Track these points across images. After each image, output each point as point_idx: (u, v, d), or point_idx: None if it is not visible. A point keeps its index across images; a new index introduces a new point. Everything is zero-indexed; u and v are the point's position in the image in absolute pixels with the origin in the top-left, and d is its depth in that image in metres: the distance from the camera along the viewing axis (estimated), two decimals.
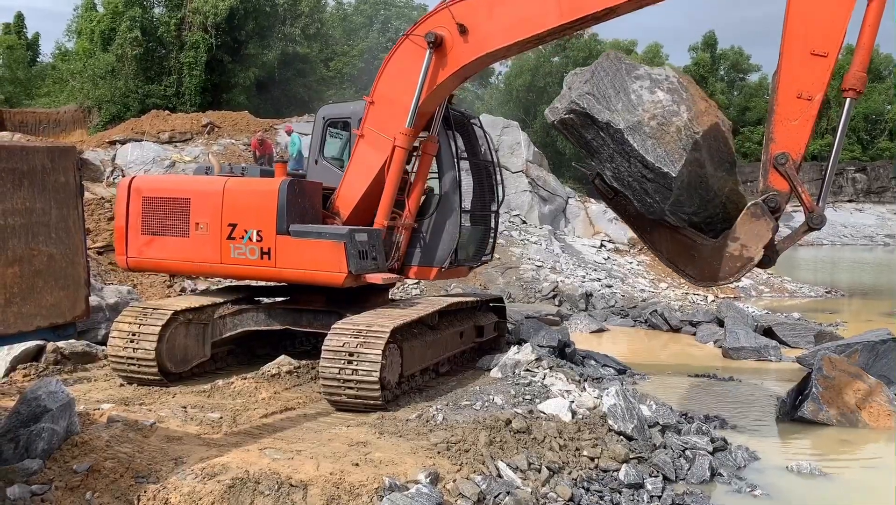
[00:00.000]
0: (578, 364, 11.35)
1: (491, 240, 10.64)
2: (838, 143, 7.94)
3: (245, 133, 27.09)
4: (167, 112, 30.61)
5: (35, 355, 8.95)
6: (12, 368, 8.67)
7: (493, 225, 10.61)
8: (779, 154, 7.61)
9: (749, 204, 8.02)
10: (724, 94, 74.26)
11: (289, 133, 22.79)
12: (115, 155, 24.32)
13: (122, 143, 25.30)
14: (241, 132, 27.60)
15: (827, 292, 25.45)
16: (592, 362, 11.84)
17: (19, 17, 47.01)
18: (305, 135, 31.12)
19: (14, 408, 5.77)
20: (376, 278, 8.43)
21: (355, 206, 9.12)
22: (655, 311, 18.05)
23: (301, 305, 9.29)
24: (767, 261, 8.17)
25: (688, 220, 8.56)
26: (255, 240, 8.44)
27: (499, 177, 10.47)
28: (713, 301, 21.06)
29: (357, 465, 5.86)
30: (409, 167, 9.38)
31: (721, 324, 16.56)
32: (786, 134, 7.61)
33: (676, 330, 17.25)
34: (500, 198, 10.51)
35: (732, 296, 22.68)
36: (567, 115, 8.91)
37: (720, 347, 15.06)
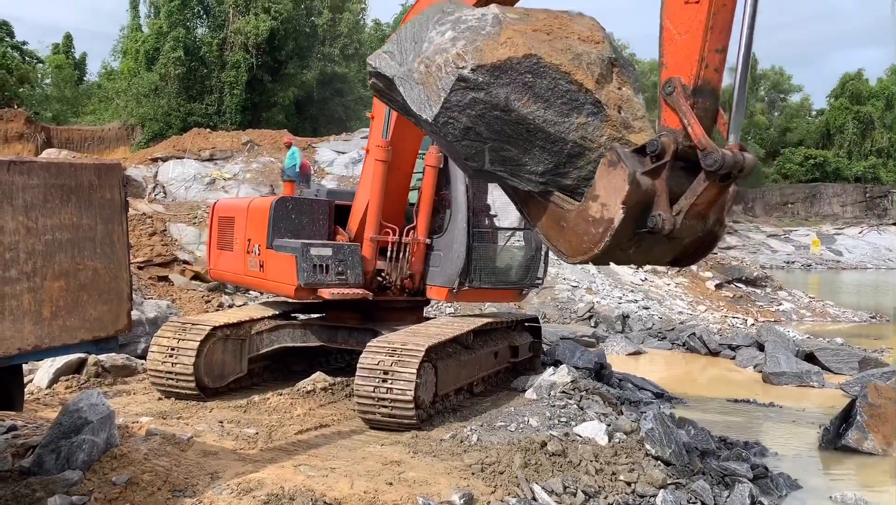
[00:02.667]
0: (615, 387, 11.21)
1: (542, 263, 9.95)
2: (745, 49, 5.51)
3: (284, 151, 27.46)
4: (208, 130, 31.19)
5: (77, 368, 9.12)
6: (55, 379, 8.84)
7: (542, 245, 9.82)
8: (665, 82, 5.55)
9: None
10: (765, 115, 73.38)
11: (288, 146, 22.94)
12: (157, 172, 24.83)
13: (164, 160, 25.84)
14: (279, 150, 27.98)
15: (871, 317, 24.80)
16: (629, 385, 11.68)
17: (68, 38, 48.43)
18: (343, 153, 31.49)
19: (56, 419, 5.87)
20: (325, 293, 8.57)
21: (359, 221, 9.21)
22: (693, 333, 17.77)
23: (336, 322, 9.35)
24: (669, 228, 5.11)
25: (550, 182, 6.62)
26: (256, 253, 9.12)
27: None
28: (752, 324, 20.67)
29: (391, 484, 5.84)
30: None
31: (761, 348, 16.24)
32: (674, 53, 5.62)
33: (715, 354, 16.95)
34: None
35: (773, 319, 22.25)
36: (371, 81, 7.28)
37: (760, 371, 14.75)
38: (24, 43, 46.75)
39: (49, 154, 27.00)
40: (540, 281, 10.09)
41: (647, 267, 25.71)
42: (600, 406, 8.66)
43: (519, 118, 6.07)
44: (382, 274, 9.30)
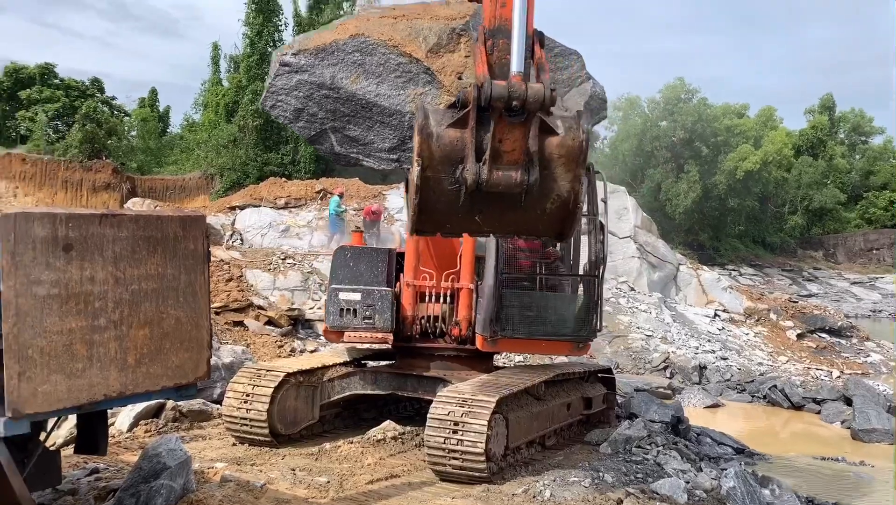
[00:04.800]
0: (693, 442, 10.80)
1: (597, 314, 8.76)
2: None
3: (355, 199, 27.98)
4: (283, 179, 32.09)
5: (156, 412, 9.34)
6: (135, 423, 9.07)
7: (596, 293, 8.86)
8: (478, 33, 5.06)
9: None
10: (846, 158, 71.02)
11: (340, 196, 23.76)
12: (234, 220, 25.60)
13: (242, 208, 26.63)
14: (351, 198, 28.52)
15: None
16: (708, 440, 11.23)
17: (153, 93, 50.96)
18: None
19: (136, 464, 6.00)
20: (347, 337, 8.84)
21: (413, 266, 9.22)
22: (775, 386, 17.05)
23: (406, 370, 9.33)
24: (473, 179, 4.56)
25: (403, 159, 6.01)
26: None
27: (601, 236, 8.79)
28: (838, 377, 19.69)
29: None
30: None
31: (849, 402, 15.43)
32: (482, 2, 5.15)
33: (798, 407, 16.20)
34: (600, 259, 8.63)
35: (860, 372, 21.14)
36: None
37: (849, 427, 14.00)
38: (113, 98, 49.48)
39: (133, 203, 28.23)
40: (594, 335, 8.94)
41: (725, 316, 24.92)
42: (678, 462, 8.34)
43: (349, 95, 6.07)
44: (422, 320, 9.18)
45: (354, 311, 8.80)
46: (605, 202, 8.79)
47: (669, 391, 16.29)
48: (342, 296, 8.90)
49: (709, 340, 21.83)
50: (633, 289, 25.04)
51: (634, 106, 54.23)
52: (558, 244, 9.47)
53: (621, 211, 28.10)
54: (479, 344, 8.82)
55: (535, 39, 4.77)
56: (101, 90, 48.63)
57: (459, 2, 6.38)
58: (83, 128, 38.07)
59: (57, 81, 44.79)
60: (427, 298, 9.11)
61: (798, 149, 54.96)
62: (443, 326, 9.10)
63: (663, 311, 23.37)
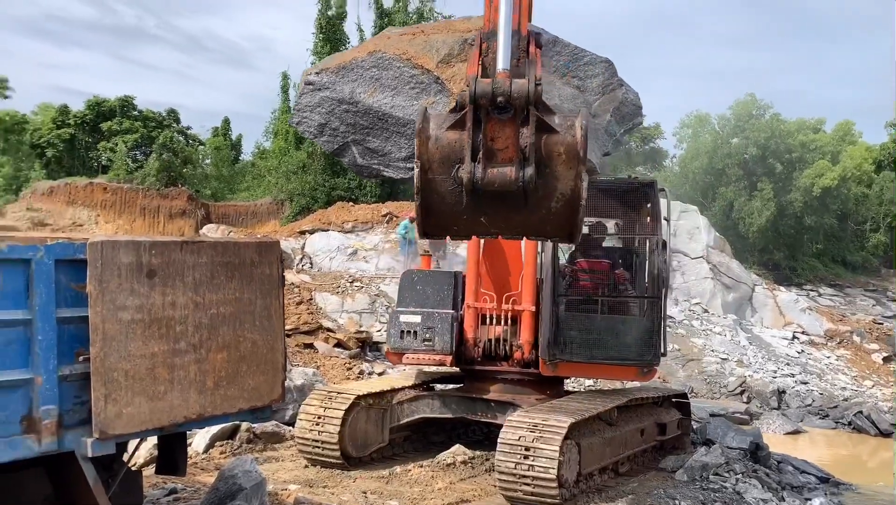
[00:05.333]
0: (773, 470, 10.36)
1: (661, 338, 8.41)
2: None
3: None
4: (350, 203, 32.59)
5: (231, 433, 9.53)
6: (211, 444, 9.27)
7: (658, 316, 8.51)
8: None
9: None
10: None
11: (410, 221, 24.06)
12: (304, 244, 26.12)
13: (311, 232, 27.15)
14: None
15: None
16: (790, 468, 10.77)
17: (226, 122, 52.63)
18: None
19: (213, 485, 6.12)
20: (407, 359, 9.00)
21: (473, 288, 9.21)
22: (860, 412, 16.28)
23: (475, 394, 9.27)
24: (467, 177, 4.60)
25: None
26: None
27: (664, 255, 8.66)
28: None
29: None
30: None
31: None
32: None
33: (886, 435, 15.41)
34: (662, 280, 8.42)
35: None
36: None
37: None
38: (188, 128, 51.32)
39: (208, 229, 29.14)
40: (657, 360, 8.56)
41: (804, 338, 23.99)
42: (759, 491, 8.03)
43: (367, 108, 6.18)
44: (483, 343, 9.10)
45: (415, 333, 8.92)
46: (668, 220, 8.61)
47: (747, 417, 15.74)
48: (403, 318, 9.05)
49: (787, 364, 21.04)
50: (706, 310, 24.38)
51: (704, 123, 53.15)
52: (624, 268, 9.35)
53: (693, 231, 27.47)
54: (541, 368, 8.73)
55: (531, 39, 4.82)
56: (177, 120, 50.53)
57: (481, 17, 6.52)
58: (160, 157, 39.65)
59: (136, 113, 46.75)
60: (488, 321, 9.07)
61: (879, 164, 52.75)
62: (506, 349, 9.04)
63: (738, 333, 22.67)
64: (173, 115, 50.87)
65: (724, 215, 46.56)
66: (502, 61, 4.60)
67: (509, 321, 8.99)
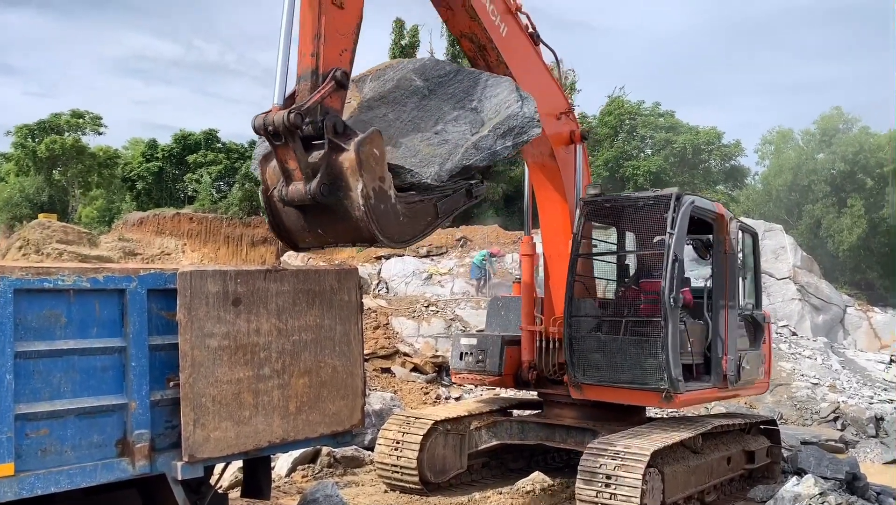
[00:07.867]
0: (872, 502, 9.80)
1: (664, 360, 7.76)
2: (286, 25, 5.42)
3: (495, 245, 28.21)
4: None
5: (312, 457, 9.69)
6: (293, 468, 9.44)
7: (666, 338, 7.80)
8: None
9: None
10: None
11: (490, 254, 24.84)
12: (380, 269, 26.51)
13: (387, 258, 27.54)
14: (490, 245, 28.78)
15: None
16: (891, 501, 10.15)
17: None
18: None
19: None
20: (462, 379, 9.53)
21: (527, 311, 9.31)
22: None
23: (554, 420, 9.13)
24: (278, 195, 5.36)
25: None
26: None
27: (673, 271, 7.89)
28: None
29: None
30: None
31: None
32: None
33: None
34: (675, 299, 7.82)
35: None
36: None
37: None
38: None
39: (289, 256, 29.89)
40: (675, 386, 7.82)
41: None
42: None
43: None
44: (534, 366, 9.04)
45: (470, 354, 9.28)
46: (672, 234, 8.00)
47: (841, 445, 14.98)
48: (463, 341, 9.53)
49: (885, 389, 19.94)
50: (794, 333, 23.43)
51: (787, 139, 51.45)
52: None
53: (778, 250, 26.52)
54: (570, 391, 8.52)
55: (331, 77, 5.25)
56: None
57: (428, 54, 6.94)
58: (242, 187, 41.03)
59: (219, 145, 48.62)
60: (540, 344, 9.03)
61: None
62: (552, 371, 8.92)
63: (830, 357, 21.66)
64: (255, 146, 52.75)
65: (811, 234, 44.79)
66: (276, 97, 5.25)
67: (557, 344, 8.88)
